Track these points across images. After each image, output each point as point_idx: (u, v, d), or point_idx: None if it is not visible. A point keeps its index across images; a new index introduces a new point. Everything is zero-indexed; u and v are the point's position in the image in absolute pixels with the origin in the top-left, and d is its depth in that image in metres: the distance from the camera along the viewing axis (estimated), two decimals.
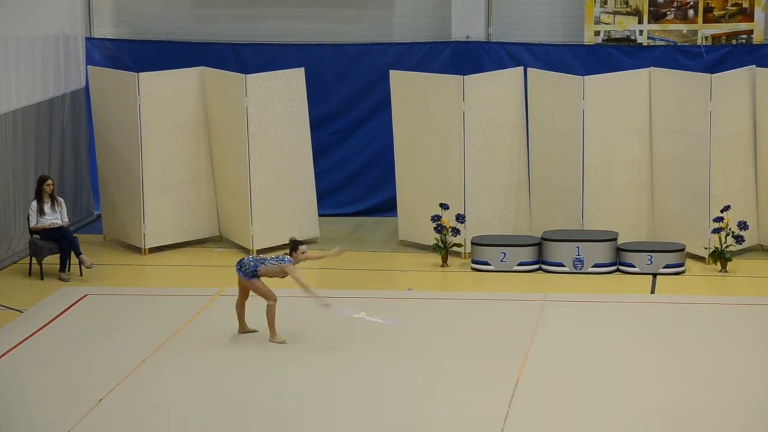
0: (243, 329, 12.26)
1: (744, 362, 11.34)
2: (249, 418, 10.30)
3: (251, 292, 12.11)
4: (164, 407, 10.60)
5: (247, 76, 15.06)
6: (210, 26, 17.34)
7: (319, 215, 15.87)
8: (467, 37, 16.95)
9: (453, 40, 16.94)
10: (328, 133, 17.03)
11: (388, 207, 16.62)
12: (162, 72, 15.41)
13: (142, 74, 15.22)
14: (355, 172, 17.20)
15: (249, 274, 12.00)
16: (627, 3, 16.75)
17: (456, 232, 14.76)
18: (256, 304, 12.20)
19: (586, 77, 14.78)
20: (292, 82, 15.36)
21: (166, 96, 15.35)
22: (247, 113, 15.05)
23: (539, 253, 14.54)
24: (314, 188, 15.70)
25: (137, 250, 15.48)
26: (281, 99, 15.30)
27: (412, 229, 15.50)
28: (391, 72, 15.57)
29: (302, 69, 15.46)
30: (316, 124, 16.08)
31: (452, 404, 10.49)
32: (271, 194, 15.34)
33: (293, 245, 12.08)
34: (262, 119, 15.18)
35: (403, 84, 15.41)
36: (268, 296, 12.02)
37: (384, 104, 16.04)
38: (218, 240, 15.93)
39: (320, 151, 16.41)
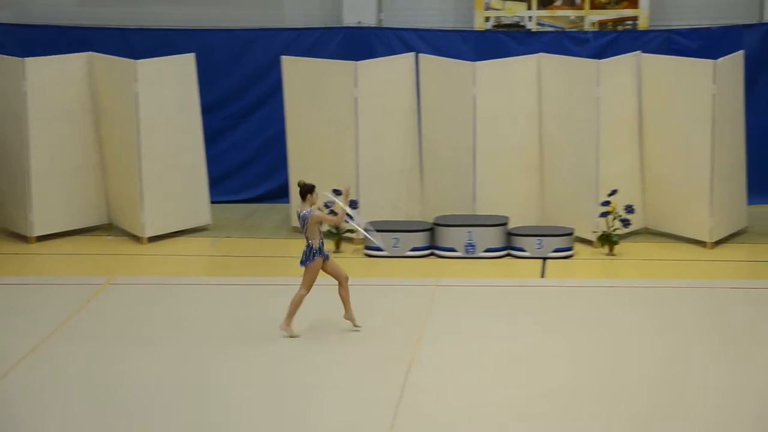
0: (349, 315, 11.80)
1: (632, 343, 11.57)
2: (134, 408, 10.20)
3: (331, 276, 11.76)
4: (52, 397, 10.44)
5: (137, 61, 14.87)
6: (98, 11, 17.06)
7: (211, 202, 15.76)
8: (359, 22, 16.96)
9: (345, 25, 16.93)
10: (220, 119, 16.91)
11: (280, 193, 16.57)
12: (49, 57, 15.14)
13: (28, 59, 14.92)
14: (247, 159, 17.12)
15: (308, 258, 11.62)
16: None
17: (348, 218, 14.76)
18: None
19: (477, 63, 14.90)
20: (182, 68, 15.21)
21: (54, 82, 15.07)
22: (137, 99, 14.86)
23: (431, 239, 14.64)
24: (206, 174, 15.58)
25: (24, 238, 15.19)
26: (172, 85, 15.14)
27: None
28: (283, 57, 15.51)
29: (193, 54, 15.32)
30: (207, 110, 15.95)
31: (345, 390, 10.52)
32: (162, 181, 15.18)
33: (305, 189, 11.54)
34: (152, 105, 15.00)
35: (295, 70, 15.36)
36: (306, 286, 11.67)
37: (276, 90, 15.98)
38: (108, 228, 15.71)
39: (212, 138, 16.28)
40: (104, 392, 10.54)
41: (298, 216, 11.76)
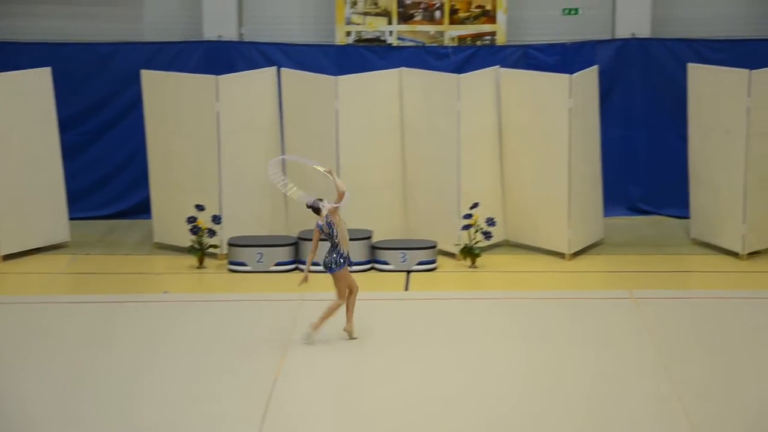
0: (348, 326, 11.89)
1: (494, 352, 11.76)
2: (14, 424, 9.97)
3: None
4: None
5: None
6: None
7: (70, 218, 15.47)
8: (220, 36, 16.88)
9: (205, 39, 16.83)
10: (78, 133, 16.63)
11: (142, 209, 16.36)
12: None
13: None
14: (107, 174, 16.86)
15: (338, 265, 11.70)
16: (376, 4, 17.08)
17: (212, 233, 14.67)
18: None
19: (339, 77, 14.97)
20: (38, 82, 14.92)
21: None
22: None
23: (296, 253, 14.63)
24: (64, 191, 15.29)
25: None
26: (27, 99, 14.84)
27: (168, 231, 15.32)
28: (143, 72, 15.33)
29: (49, 68, 15.04)
30: (65, 125, 15.67)
31: (212, 403, 10.44)
32: (18, 197, 14.84)
33: (315, 207, 11.81)
34: (7, 120, 14.68)
35: (155, 84, 15.19)
36: (341, 294, 11.79)
37: (136, 105, 15.78)
38: None
39: (70, 153, 16.00)
40: None
41: (321, 229, 11.74)
